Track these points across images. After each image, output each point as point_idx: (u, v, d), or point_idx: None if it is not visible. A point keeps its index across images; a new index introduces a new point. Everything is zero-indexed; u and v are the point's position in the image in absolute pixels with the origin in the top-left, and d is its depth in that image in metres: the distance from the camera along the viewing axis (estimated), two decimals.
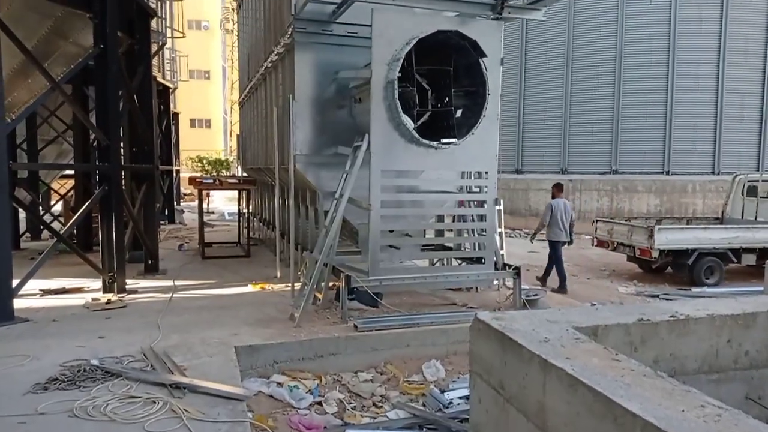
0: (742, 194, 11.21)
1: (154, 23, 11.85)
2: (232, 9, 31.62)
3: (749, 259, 9.79)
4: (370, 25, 6.21)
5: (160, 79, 16.62)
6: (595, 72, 17.11)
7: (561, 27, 17.26)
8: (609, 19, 16.71)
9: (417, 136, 6.45)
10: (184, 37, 19.91)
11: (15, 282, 6.22)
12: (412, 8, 6.52)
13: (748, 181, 11.21)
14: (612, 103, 16.91)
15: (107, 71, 6.87)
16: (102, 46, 6.71)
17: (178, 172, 22.15)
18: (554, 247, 8.99)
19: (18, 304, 6.36)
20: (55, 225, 12.46)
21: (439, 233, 8.18)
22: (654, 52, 16.43)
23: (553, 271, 9.00)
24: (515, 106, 18.62)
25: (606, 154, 17.13)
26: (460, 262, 7.53)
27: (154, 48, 13.32)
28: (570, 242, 9.17)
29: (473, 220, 7.13)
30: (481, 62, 6.51)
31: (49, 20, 7.10)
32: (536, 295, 7.09)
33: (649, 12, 16.40)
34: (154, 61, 13.86)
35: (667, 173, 16.54)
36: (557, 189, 9.35)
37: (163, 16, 15.30)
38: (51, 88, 6.76)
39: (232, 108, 40.41)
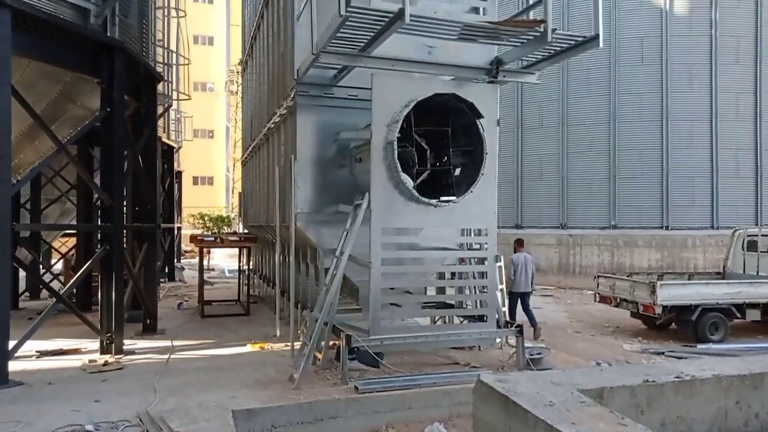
0: (743, 249, 11.21)
1: (160, 87, 12.19)
2: (237, 72, 32.66)
3: (754, 315, 9.68)
4: (370, 88, 6.41)
5: (164, 140, 16.96)
6: (590, 129, 17.47)
7: (555, 86, 17.75)
8: (601, 78, 17.21)
9: (416, 194, 6.53)
10: (189, 99, 20.46)
11: (12, 344, 6.14)
12: (410, 73, 6.72)
13: (748, 236, 11.24)
14: (608, 160, 17.17)
15: (113, 134, 7.03)
16: (109, 109, 6.90)
17: (179, 229, 22.25)
18: (520, 298, 9.54)
19: (14, 366, 6.26)
20: (55, 284, 12.41)
21: (440, 291, 8.14)
22: (646, 110, 16.84)
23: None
24: (512, 162, 18.90)
25: (605, 210, 17.25)
26: (461, 319, 7.46)
27: (159, 110, 13.67)
28: (532, 291, 9.83)
29: (474, 278, 7.12)
30: (478, 123, 6.68)
31: (59, 85, 7.33)
32: (540, 353, 6.99)
33: (640, 71, 16.91)
34: (160, 122, 14.20)
35: (667, 228, 16.60)
36: (518, 244, 10.08)
37: (170, 80, 15.79)
38: (57, 150, 6.91)
39: (234, 165, 41.01)
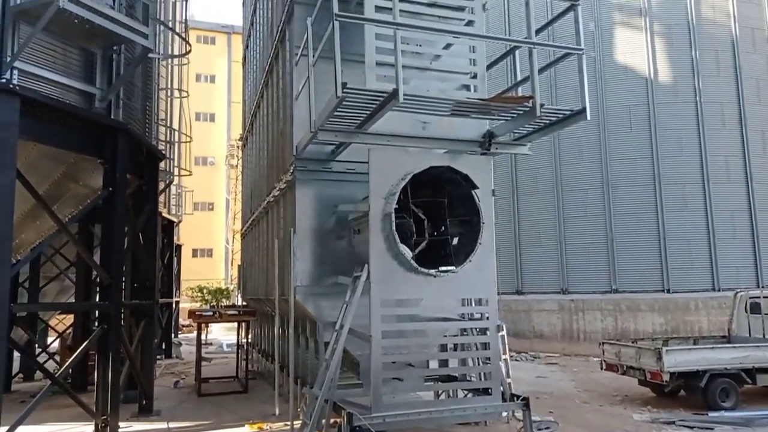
0: (746, 311, 11.11)
1: (162, 164, 12.47)
2: (237, 146, 33.46)
3: (765, 380, 9.46)
4: (367, 162, 6.57)
5: (165, 215, 17.13)
6: (584, 194, 17.72)
7: (547, 153, 18.17)
8: (592, 145, 17.65)
9: (415, 265, 6.54)
10: (190, 174, 20.84)
11: (3, 430, 5.96)
12: (405, 147, 6.91)
13: (750, 298, 11.17)
14: (604, 224, 17.31)
15: (114, 212, 7.13)
16: (111, 189, 7.03)
17: (177, 303, 22.03)
18: None
19: None
20: (50, 364, 12.15)
21: (443, 363, 7.98)
22: (639, 175, 17.16)
23: None
24: (510, 228, 19.03)
25: (605, 274, 17.21)
26: (466, 393, 7.28)
27: (161, 186, 13.90)
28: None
29: (477, 349, 7.01)
30: (473, 193, 6.79)
31: (63, 166, 7.50)
32: (548, 427, 6.78)
33: (630, 138, 17.36)
34: (161, 198, 14.39)
35: (668, 291, 16.51)
36: None
37: (172, 157, 16.15)
38: (58, 230, 6.98)
39: (233, 237, 41.16)
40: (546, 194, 18.39)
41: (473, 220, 6.95)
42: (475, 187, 6.74)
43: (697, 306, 16.23)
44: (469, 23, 7.21)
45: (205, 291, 34.43)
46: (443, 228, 7.24)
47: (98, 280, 9.62)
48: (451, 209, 7.18)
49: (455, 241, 7.14)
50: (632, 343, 10.57)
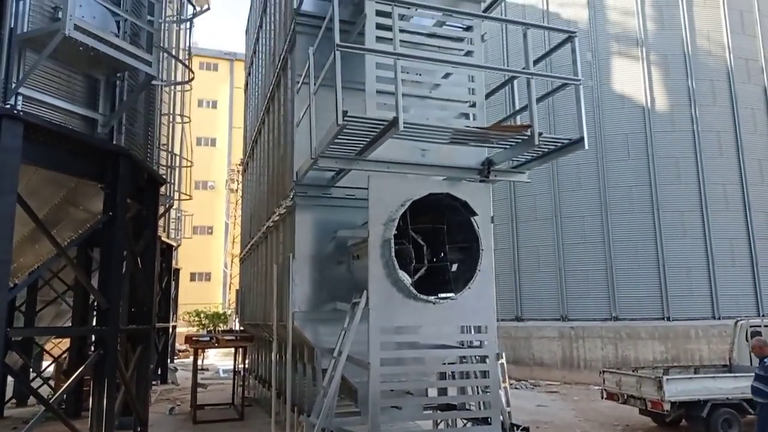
0: (747, 340, 11.04)
1: (162, 188, 12.51)
2: (238, 171, 33.63)
3: None
4: (367, 188, 6.60)
5: (164, 239, 17.12)
6: (583, 221, 17.76)
7: (546, 180, 18.27)
8: (590, 172, 17.75)
9: (414, 291, 6.52)
10: (190, 199, 20.90)
11: None
12: (405, 174, 6.96)
13: (751, 327, 11.11)
14: (603, 251, 17.31)
15: (114, 237, 7.13)
16: (111, 213, 7.04)
17: (174, 328, 21.86)
18: None
19: None
20: (44, 389, 12.00)
21: (442, 391, 7.90)
22: (637, 202, 17.23)
23: None
24: (509, 254, 19.01)
25: (604, 301, 17.15)
26: (465, 422, 7.19)
27: (161, 210, 13.92)
28: None
29: (476, 377, 6.95)
30: (472, 220, 6.81)
31: (63, 190, 7.52)
32: None
33: (628, 166, 17.48)
34: (160, 222, 14.40)
35: (668, 319, 16.43)
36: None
37: (172, 181, 16.22)
38: (57, 254, 6.97)
39: (232, 262, 41.05)
40: (545, 221, 18.43)
41: (472, 247, 6.95)
42: (474, 213, 6.76)
43: (698, 334, 16.13)
44: (468, 53, 7.33)
45: (202, 315, 34.21)
46: (442, 254, 7.25)
47: (96, 304, 9.57)
48: (450, 236, 7.19)
49: (454, 267, 7.14)
50: (633, 371, 10.48)
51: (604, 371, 10.85)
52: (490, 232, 6.96)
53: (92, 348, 9.44)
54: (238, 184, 33.95)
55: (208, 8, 20.54)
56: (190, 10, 17.56)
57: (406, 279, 6.68)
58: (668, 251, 16.75)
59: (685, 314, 16.37)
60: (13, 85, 5.81)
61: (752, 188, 17.24)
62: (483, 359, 6.84)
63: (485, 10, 8.01)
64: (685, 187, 17.09)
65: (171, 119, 16.64)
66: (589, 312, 17.23)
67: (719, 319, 16.09)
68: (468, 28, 7.18)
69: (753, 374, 7.79)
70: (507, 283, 18.63)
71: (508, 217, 19.21)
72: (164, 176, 13.39)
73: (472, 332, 7.07)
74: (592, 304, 17.25)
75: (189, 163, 19.86)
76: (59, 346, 15.97)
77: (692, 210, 16.95)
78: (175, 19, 16.17)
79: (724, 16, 18.22)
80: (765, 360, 7.50)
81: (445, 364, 7.30)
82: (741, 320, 11.56)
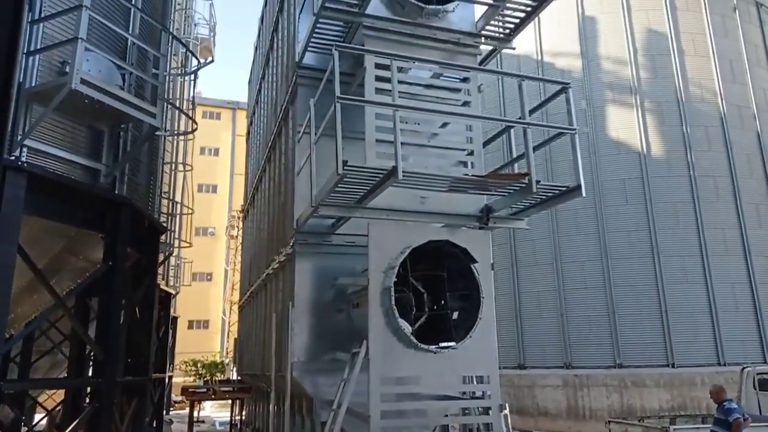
0: (755, 388, 10.85)
1: (163, 236, 12.51)
2: (238, 217, 33.73)
3: None
4: (367, 235, 6.63)
5: (163, 287, 17.00)
6: (583, 266, 17.71)
7: (545, 225, 18.31)
8: (589, 217, 17.82)
9: (415, 341, 6.45)
10: (190, 246, 20.90)
11: None
12: (404, 221, 7.00)
13: (758, 374, 10.94)
14: (605, 296, 17.19)
15: (113, 287, 7.09)
16: (110, 263, 7.03)
17: (170, 378, 21.44)
18: None
19: None
20: None
21: None
22: (637, 247, 17.22)
23: None
24: (510, 300, 18.87)
25: (608, 347, 16.91)
26: None
27: (160, 258, 13.88)
28: None
29: (479, 429, 6.79)
30: (473, 267, 6.81)
31: (64, 240, 7.53)
32: None
33: (626, 211, 17.56)
34: (159, 269, 14.34)
35: (673, 365, 16.16)
36: None
37: (172, 229, 16.27)
38: (55, 305, 6.92)
39: (231, 309, 40.67)
40: (545, 266, 18.37)
41: (473, 294, 6.92)
42: (474, 261, 6.76)
43: (704, 381, 15.82)
44: (466, 103, 7.49)
45: (199, 365, 33.65)
46: (443, 302, 7.20)
47: (92, 355, 9.43)
48: (450, 283, 7.16)
49: (455, 315, 7.08)
50: (639, 421, 10.25)
51: (609, 421, 10.62)
52: (490, 280, 6.95)
53: (87, 400, 9.24)
54: (239, 230, 34.02)
55: (212, 60, 21.11)
56: (194, 62, 18.04)
57: (407, 328, 6.62)
58: (670, 296, 16.63)
59: (690, 361, 16.11)
60: (19, 137, 5.91)
61: (751, 232, 17.27)
62: (486, 411, 6.70)
63: (481, 63, 8.23)
64: (684, 232, 17.12)
65: (173, 167, 16.84)
66: (593, 359, 16.96)
67: (725, 365, 15.83)
68: (465, 80, 7.36)
69: (762, 423, 7.65)
70: (509, 329, 18.41)
71: (508, 262, 19.16)
72: (165, 224, 13.43)
73: (474, 382, 6.96)
74: (596, 350, 17.00)
75: (190, 211, 19.95)
76: (53, 397, 15.62)
77: (692, 255, 16.93)
78: (179, 71, 16.58)
79: (714, 65, 18.70)
80: (723, 404, 7.90)
81: (447, 416, 7.14)
82: (748, 367, 11.39)
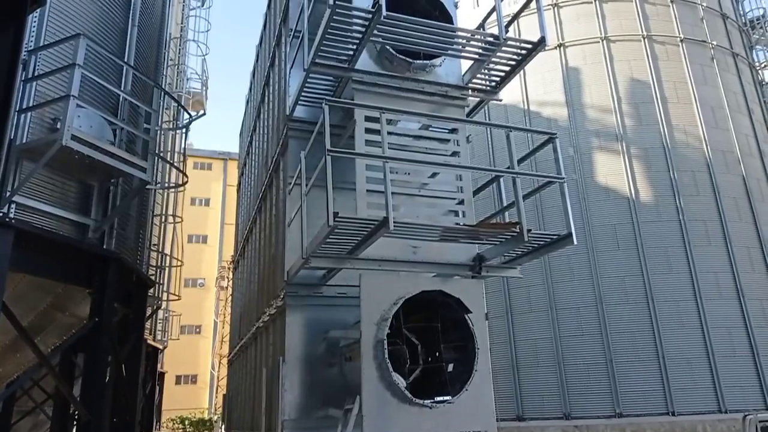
0: None
1: (151, 289, 12.34)
2: (228, 268, 33.45)
3: None
4: (358, 286, 6.55)
5: (150, 342, 16.64)
6: (578, 313, 17.56)
7: (538, 271, 18.24)
8: (581, 263, 17.79)
9: (409, 395, 6.29)
10: (179, 299, 20.61)
11: None
12: (396, 271, 6.94)
13: (760, 422, 10.72)
14: (601, 344, 16.98)
15: (99, 344, 6.93)
16: (97, 319, 6.89)
17: None
18: None
19: None
20: None
21: None
22: (630, 292, 17.14)
23: None
24: (506, 349, 18.56)
25: (607, 396, 16.57)
26: None
27: (148, 311, 13.64)
28: None
29: None
30: (467, 318, 6.72)
31: (50, 296, 7.40)
32: None
33: (618, 256, 17.57)
34: (147, 324, 14.06)
35: (673, 413, 15.81)
36: None
37: (161, 281, 16.06)
38: (39, 364, 6.72)
39: (220, 363, 39.78)
40: (540, 313, 18.20)
41: (468, 346, 6.80)
42: (468, 311, 6.68)
43: (705, 430, 15.48)
44: (455, 153, 7.57)
45: (186, 422, 32.62)
46: (437, 354, 7.07)
47: (76, 415, 9.10)
48: (444, 334, 7.05)
49: (450, 367, 6.94)
50: None
51: None
52: (485, 330, 6.85)
53: None
54: (229, 281, 33.68)
55: (204, 113, 21.39)
56: (186, 115, 18.27)
57: (401, 382, 6.46)
58: (666, 342, 16.44)
59: (691, 408, 15.77)
60: (8, 194, 5.88)
61: (743, 276, 17.27)
62: None
63: (469, 114, 8.38)
64: (677, 277, 17.10)
65: (163, 220, 16.78)
66: (593, 408, 16.57)
67: (726, 412, 15.50)
68: (453, 131, 7.47)
69: None
70: (506, 379, 18.04)
71: (502, 309, 18.97)
72: (153, 277, 13.26)
73: None
74: (595, 399, 16.64)
75: (179, 263, 19.77)
76: None
77: (686, 300, 16.86)
78: (171, 125, 16.77)
79: (697, 112, 19.16)
80: None
81: None
82: (749, 414, 11.18)
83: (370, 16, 6.37)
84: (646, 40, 19.74)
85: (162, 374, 21.55)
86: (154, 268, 15.43)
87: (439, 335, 7.04)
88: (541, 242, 6.45)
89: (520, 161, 6.62)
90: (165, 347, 21.36)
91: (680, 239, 17.43)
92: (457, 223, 6.78)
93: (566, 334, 17.60)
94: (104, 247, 7.40)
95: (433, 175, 7.56)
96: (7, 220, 5.68)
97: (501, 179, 7.48)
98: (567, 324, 17.64)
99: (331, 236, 5.90)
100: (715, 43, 20.48)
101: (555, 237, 6.33)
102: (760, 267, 17.77)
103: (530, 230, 5.99)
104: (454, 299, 6.65)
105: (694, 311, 16.74)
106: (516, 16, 8.20)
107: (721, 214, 17.87)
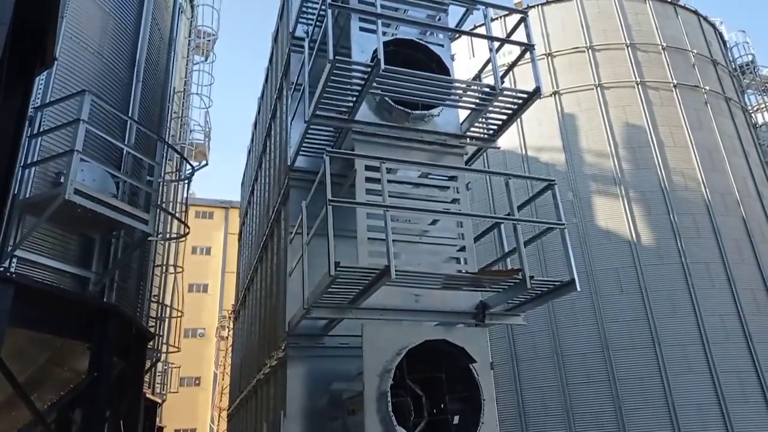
0: None
1: (150, 342, 12.16)
2: (229, 317, 33.10)
3: None
4: (361, 336, 6.46)
5: (149, 395, 16.28)
6: (585, 359, 17.26)
7: (543, 317, 18.02)
8: (586, 308, 17.61)
9: None
10: (178, 351, 20.30)
11: None
12: (399, 320, 6.87)
13: None
14: (610, 390, 16.61)
15: (97, 400, 6.79)
16: (96, 374, 6.77)
17: None
18: None
19: None
20: None
21: None
22: (637, 337, 16.89)
23: None
24: (513, 397, 18.15)
25: None
26: None
27: (147, 364, 13.40)
28: None
29: None
30: (471, 368, 6.60)
31: (48, 351, 7.30)
32: None
33: (622, 300, 17.40)
34: (146, 377, 13.79)
35: None
36: None
37: (161, 333, 15.86)
38: (34, 422, 6.57)
39: (220, 416, 38.80)
40: (546, 360, 17.89)
41: (473, 396, 6.65)
42: (472, 360, 6.56)
43: None
44: (455, 200, 7.62)
45: None
46: (443, 405, 6.90)
47: None
48: (449, 384, 6.90)
49: (456, 419, 6.76)
50: None
51: None
52: (490, 380, 6.71)
53: None
54: (229, 331, 33.26)
55: (207, 163, 21.65)
56: (188, 166, 18.47)
57: None
58: (675, 387, 16.08)
59: None
60: (10, 248, 5.89)
61: (750, 319, 17.05)
62: None
63: (468, 161, 8.48)
64: (682, 320, 16.88)
65: (164, 270, 16.71)
66: None
67: None
68: (452, 178, 7.54)
69: None
70: (513, 428, 17.56)
71: (507, 356, 18.64)
72: (153, 328, 13.10)
73: None
74: None
75: (179, 314, 19.55)
76: None
77: (694, 343, 16.59)
78: (174, 176, 16.95)
79: (694, 155, 19.36)
80: None
81: None
82: None
83: (369, 69, 6.53)
84: (639, 86, 20.15)
85: (161, 429, 20.99)
86: (154, 320, 15.25)
87: (444, 386, 6.90)
88: (545, 289, 6.41)
89: (520, 207, 6.65)
90: (164, 401, 20.89)
91: (684, 282, 17.30)
92: (459, 271, 6.75)
93: (573, 381, 17.24)
94: (104, 299, 7.35)
95: (434, 222, 7.58)
96: (8, 275, 5.66)
97: (502, 225, 7.50)
98: (573, 370, 17.30)
99: (332, 286, 5.87)
100: (707, 87, 20.89)
101: (558, 284, 6.29)
102: (766, 309, 17.56)
103: (533, 277, 5.96)
104: (458, 348, 6.55)
105: (702, 355, 16.45)
106: (511, 68, 8.41)
107: (724, 257, 17.80)
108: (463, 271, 6.70)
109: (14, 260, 5.95)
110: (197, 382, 44.69)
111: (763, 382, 16.29)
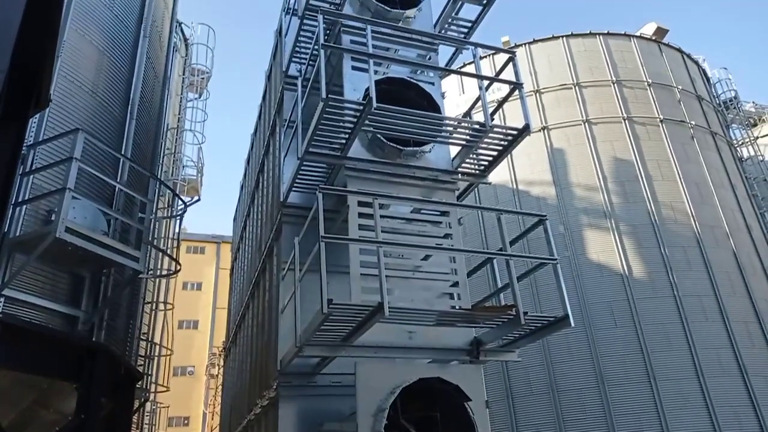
0: None
1: (139, 382, 11.91)
2: (220, 355, 32.55)
3: None
4: (353, 374, 6.36)
5: None
6: (580, 394, 17.05)
7: (538, 353, 17.86)
8: (580, 342, 17.49)
9: None
10: (167, 390, 19.88)
11: None
12: (392, 358, 6.79)
13: None
14: (606, 426, 16.37)
15: None
16: (83, 416, 6.60)
17: None
18: None
19: None
20: None
21: None
22: (632, 371, 16.75)
23: None
24: None
25: None
26: None
27: (135, 404, 13.10)
28: None
29: None
30: (466, 406, 6.50)
31: (34, 392, 7.13)
32: None
33: (616, 334, 17.31)
34: (134, 417, 13.45)
35: None
36: None
37: (150, 372, 15.56)
38: None
39: None
40: (542, 395, 17.65)
41: None
42: (467, 398, 6.47)
43: None
44: (447, 235, 7.63)
45: None
46: None
47: None
48: (444, 423, 6.79)
49: None
50: None
51: None
52: (486, 419, 6.60)
53: None
54: (219, 369, 32.67)
55: (199, 199, 21.63)
56: (180, 203, 18.45)
57: None
58: (672, 422, 15.85)
59: None
60: None
61: (744, 351, 16.97)
62: None
63: (460, 196, 8.53)
64: (677, 353, 16.78)
65: (154, 307, 16.50)
66: None
67: None
68: (444, 213, 7.57)
69: None
70: None
71: (502, 393, 18.38)
72: (142, 367, 12.85)
73: None
74: None
75: (169, 352, 19.22)
76: None
77: (688, 377, 16.45)
78: (165, 212, 16.90)
79: (682, 189, 19.59)
80: None
81: None
82: None
83: (361, 107, 6.63)
84: (626, 121, 20.53)
85: None
86: (143, 358, 14.97)
87: (439, 425, 6.78)
88: (539, 324, 6.38)
89: (512, 242, 6.67)
90: None
91: (677, 315, 17.27)
92: (452, 307, 6.72)
93: (569, 417, 16.97)
94: (93, 338, 7.23)
95: (427, 257, 7.57)
96: None
97: (494, 260, 7.50)
98: (569, 406, 17.06)
99: (325, 323, 5.81)
100: (693, 122, 21.32)
101: (552, 319, 6.27)
102: (760, 342, 17.53)
103: (527, 313, 5.94)
104: (452, 386, 6.47)
105: (698, 390, 16.30)
106: (500, 105, 8.56)
107: (716, 290, 17.84)
108: (457, 307, 6.66)
109: (2, 299, 5.86)
110: (186, 422, 43.61)
111: (761, 418, 16.13)
